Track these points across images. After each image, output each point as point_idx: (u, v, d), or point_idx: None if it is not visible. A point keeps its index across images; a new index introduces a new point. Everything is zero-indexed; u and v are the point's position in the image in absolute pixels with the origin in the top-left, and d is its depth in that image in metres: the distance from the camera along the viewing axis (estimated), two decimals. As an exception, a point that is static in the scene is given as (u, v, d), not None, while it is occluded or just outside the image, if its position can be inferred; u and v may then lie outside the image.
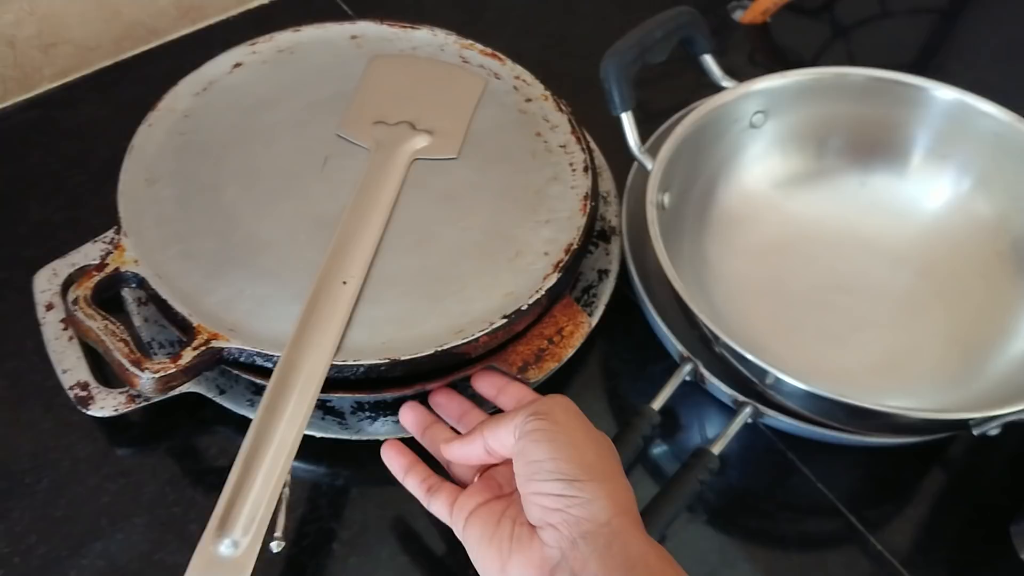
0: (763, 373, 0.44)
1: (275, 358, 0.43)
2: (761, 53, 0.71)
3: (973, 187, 0.56)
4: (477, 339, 0.45)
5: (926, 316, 0.54)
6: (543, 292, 0.47)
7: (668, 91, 0.59)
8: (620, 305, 0.53)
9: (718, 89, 0.55)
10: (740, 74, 0.56)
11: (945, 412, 0.46)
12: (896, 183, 0.58)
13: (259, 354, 0.44)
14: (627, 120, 0.50)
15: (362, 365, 0.43)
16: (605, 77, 0.50)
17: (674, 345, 0.49)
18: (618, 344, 0.54)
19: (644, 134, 0.54)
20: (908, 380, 0.52)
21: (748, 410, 0.46)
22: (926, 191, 0.58)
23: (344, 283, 0.46)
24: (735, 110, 0.55)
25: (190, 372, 0.43)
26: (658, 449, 0.50)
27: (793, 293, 0.55)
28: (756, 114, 0.56)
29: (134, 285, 0.47)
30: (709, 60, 0.55)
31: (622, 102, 0.50)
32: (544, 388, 0.50)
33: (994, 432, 0.44)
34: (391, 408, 0.48)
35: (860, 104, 0.57)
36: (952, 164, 0.57)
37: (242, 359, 0.44)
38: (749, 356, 0.44)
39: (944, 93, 0.55)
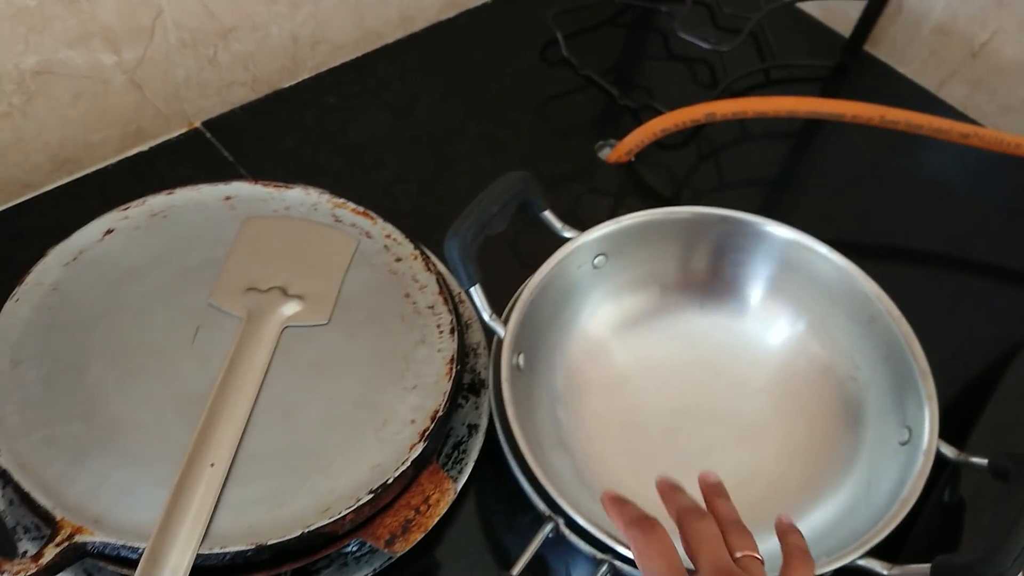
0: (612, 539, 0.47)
1: (141, 550, 0.44)
2: (625, 190, 0.75)
3: (807, 329, 0.61)
4: (344, 517, 0.46)
5: (769, 440, 0.59)
6: (409, 463, 0.49)
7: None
8: (491, 455, 0.56)
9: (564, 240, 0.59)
10: (607, 211, 0.59)
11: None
12: (737, 319, 0.63)
13: (124, 547, 0.44)
14: (475, 293, 0.53)
15: (228, 552, 0.44)
16: (449, 257, 0.52)
17: (537, 504, 0.51)
18: (489, 497, 0.56)
19: (519, 282, 0.58)
20: (756, 500, 0.55)
21: (604, 568, 0.49)
22: (765, 328, 0.62)
23: (212, 465, 0.47)
24: (577, 259, 0.59)
25: (54, 570, 0.43)
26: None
27: (646, 424, 0.59)
28: (597, 256, 0.60)
29: (-4, 477, 0.47)
30: (548, 216, 0.59)
31: (468, 279, 0.53)
32: (414, 547, 0.52)
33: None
34: (262, 583, 0.49)
35: (697, 241, 0.61)
36: (789, 304, 0.62)
37: (107, 552, 0.44)
38: (591, 528, 0.47)
39: (781, 232, 0.60)
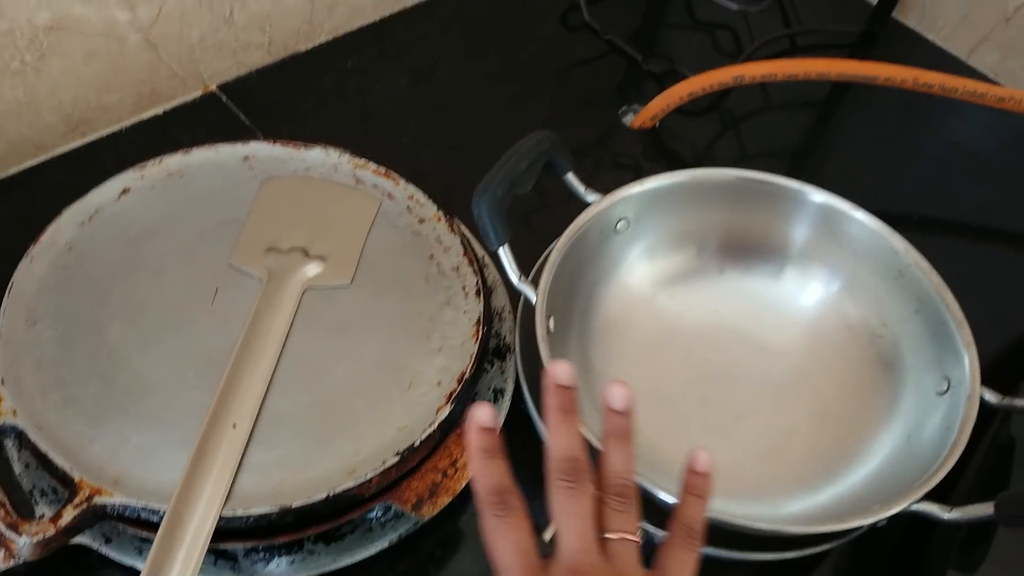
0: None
1: (161, 511, 0.42)
2: (650, 156, 0.74)
3: (841, 290, 0.60)
4: (370, 480, 0.45)
5: (800, 401, 0.58)
6: (436, 426, 0.47)
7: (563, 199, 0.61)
8: (516, 420, 0.54)
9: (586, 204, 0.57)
10: (630, 178, 0.58)
11: (848, 520, 0.47)
12: (770, 281, 0.61)
13: (144, 508, 0.43)
14: (504, 253, 0.52)
15: (252, 515, 0.43)
16: (478, 215, 0.51)
17: (567, 469, 0.50)
18: (515, 463, 0.55)
19: (534, 250, 0.56)
20: (791, 463, 0.55)
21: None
22: (799, 290, 0.61)
23: (234, 426, 0.45)
24: (602, 222, 0.57)
25: (72, 532, 0.42)
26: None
27: (675, 389, 0.58)
28: (620, 221, 0.58)
29: (13, 437, 0.45)
30: (571, 178, 0.57)
31: (497, 237, 0.51)
32: (438, 514, 0.50)
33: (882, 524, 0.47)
34: (286, 548, 0.47)
35: (729, 205, 0.60)
36: (824, 266, 0.61)
37: (127, 514, 0.43)
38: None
39: (816, 196, 0.58)
